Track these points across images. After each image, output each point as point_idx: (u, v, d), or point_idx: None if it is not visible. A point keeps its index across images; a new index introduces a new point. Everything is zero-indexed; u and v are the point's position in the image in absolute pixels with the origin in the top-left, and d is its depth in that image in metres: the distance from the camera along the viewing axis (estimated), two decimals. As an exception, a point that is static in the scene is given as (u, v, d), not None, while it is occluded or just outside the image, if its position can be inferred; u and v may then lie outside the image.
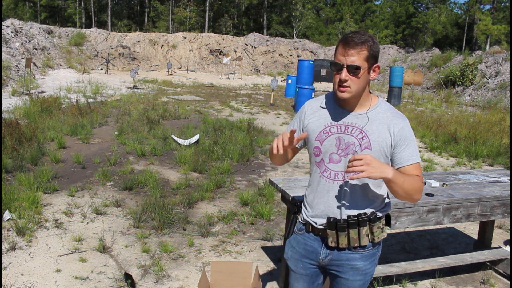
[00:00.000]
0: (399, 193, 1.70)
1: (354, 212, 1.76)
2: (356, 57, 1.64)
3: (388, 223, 1.86)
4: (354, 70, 1.65)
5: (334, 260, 1.83)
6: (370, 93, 1.80)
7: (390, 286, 3.25)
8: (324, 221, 1.81)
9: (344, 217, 1.76)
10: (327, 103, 1.84)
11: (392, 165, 1.76)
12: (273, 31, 48.75)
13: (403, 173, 1.72)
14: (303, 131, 1.86)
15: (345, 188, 1.76)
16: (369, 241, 1.78)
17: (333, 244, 1.79)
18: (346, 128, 1.76)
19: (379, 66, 1.75)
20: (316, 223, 1.84)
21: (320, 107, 1.84)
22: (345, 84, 1.68)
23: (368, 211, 1.78)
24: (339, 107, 1.79)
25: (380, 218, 1.80)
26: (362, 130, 1.74)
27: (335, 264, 1.84)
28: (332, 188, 1.79)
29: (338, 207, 1.78)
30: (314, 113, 1.84)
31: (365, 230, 1.76)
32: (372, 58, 1.69)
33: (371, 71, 1.72)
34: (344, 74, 1.66)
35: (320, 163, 1.81)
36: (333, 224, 1.76)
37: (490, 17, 40.47)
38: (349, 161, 1.61)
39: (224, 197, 5.02)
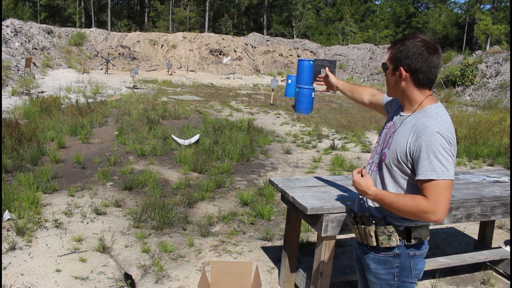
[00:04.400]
0: (395, 213, 1.74)
1: (364, 209, 1.87)
2: (387, 57, 1.80)
3: (407, 238, 1.78)
4: (383, 68, 1.81)
5: (361, 255, 1.93)
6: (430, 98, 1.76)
7: (390, 286, 3.25)
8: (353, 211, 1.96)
9: (356, 210, 1.90)
10: None
11: None
12: (273, 31, 48.74)
13: (420, 189, 1.66)
14: (388, 110, 2.07)
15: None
16: (375, 243, 1.80)
17: (356, 236, 1.92)
18: (392, 125, 1.85)
19: (400, 69, 1.71)
20: None
21: (398, 101, 1.93)
22: None
23: (376, 212, 1.81)
24: (401, 105, 1.88)
25: (387, 224, 1.77)
26: (395, 130, 1.79)
27: (362, 260, 1.94)
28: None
29: (358, 201, 1.94)
30: (394, 105, 1.98)
31: (368, 229, 1.79)
32: (396, 60, 1.73)
33: (397, 73, 1.74)
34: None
35: (373, 150, 1.96)
36: (347, 216, 1.94)
37: (490, 17, 40.48)
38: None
39: (224, 197, 5.02)
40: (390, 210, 1.72)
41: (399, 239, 1.77)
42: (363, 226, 1.81)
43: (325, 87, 2.47)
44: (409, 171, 1.70)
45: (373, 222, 1.78)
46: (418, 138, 1.64)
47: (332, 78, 2.42)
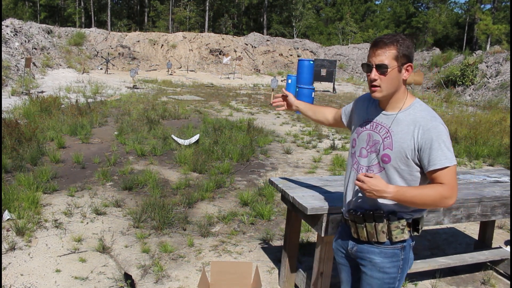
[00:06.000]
0: (415, 206, 1.77)
1: (372, 207, 1.84)
2: (384, 56, 1.73)
3: (415, 228, 1.84)
4: (382, 69, 1.73)
5: (359, 252, 1.91)
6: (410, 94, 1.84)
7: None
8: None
9: (362, 210, 1.85)
10: (375, 99, 1.90)
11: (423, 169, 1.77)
12: (273, 30, 48.72)
13: (432, 178, 1.73)
14: (351, 118, 2.08)
15: None
16: (386, 239, 1.82)
17: (355, 236, 1.90)
18: (376, 126, 1.85)
19: (411, 66, 1.76)
20: (343, 214, 1.98)
21: (368, 102, 1.94)
22: (374, 83, 1.77)
23: (387, 208, 1.81)
24: (377, 105, 1.88)
25: (399, 218, 1.80)
26: (388, 130, 1.80)
27: (360, 257, 1.91)
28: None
29: (360, 200, 1.88)
30: (362, 106, 1.97)
31: (381, 226, 1.81)
32: (403, 57, 1.74)
33: (403, 70, 1.76)
34: (373, 73, 1.76)
35: (354, 154, 1.94)
36: (352, 215, 1.87)
37: (491, 17, 40.50)
38: (357, 178, 1.74)
39: (224, 197, 5.01)
40: (409, 204, 1.75)
41: (408, 231, 1.83)
42: (373, 224, 1.81)
43: (284, 106, 2.38)
44: (415, 165, 1.76)
45: (385, 218, 1.80)
46: (426, 131, 1.71)
47: (291, 97, 2.36)
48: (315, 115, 2.34)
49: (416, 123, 1.74)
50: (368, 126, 1.88)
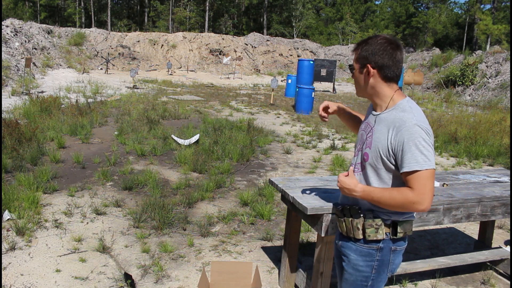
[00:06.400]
0: (383, 207, 1.78)
1: (352, 202, 1.88)
2: (353, 59, 1.87)
3: (393, 231, 1.81)
4: (350, 70, 1.88)
5: (342, 247, 1.95)
6: (401, 94, 1.85)
7: (390, 286, 3.25)
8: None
9: (344, 204, 1.91)
10: None
11: None
12: (273, 31, 48.72)
13: (405, 181, 1.70)
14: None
15: None
16: (361, 236, 1.83)
17: (339, 229, 1.95)
18: (366, 126, 1.90)
19: (368, 66, 1.77)
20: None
21: (369, 108, 2.00)
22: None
23: (366, 205, 1.82)
24: (372, 107, 1.94)
25: (375, 217, 1.80)
26: (372, 129, 1.84)
27: (342, 252, 1.96)
28: None
29: (345, 196, 1.92)
30: (368, 110, 2.01)
31: (356, 222, 1.83)
32: (362, 59, 1.79)
33: (365, 71, 1.80)
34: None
35: (354, 154, 1.99)
36: (335, 209, 1.95)
37: (491, 17, 40.50)
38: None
39: (224, 197, 5.02)
40: (378, 205, 1.76)
41: (386, 233, 1.81)
42: (350, 219, 1.84)
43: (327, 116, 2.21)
44: (393, 167, 1.75)
45: (362, 215, 1.82)
46: (399, 132, 1.69)
47: (329, 103, 2.19)
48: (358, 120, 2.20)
49: (392, 124, 1.73)
50: (362, 126, 1.95)
